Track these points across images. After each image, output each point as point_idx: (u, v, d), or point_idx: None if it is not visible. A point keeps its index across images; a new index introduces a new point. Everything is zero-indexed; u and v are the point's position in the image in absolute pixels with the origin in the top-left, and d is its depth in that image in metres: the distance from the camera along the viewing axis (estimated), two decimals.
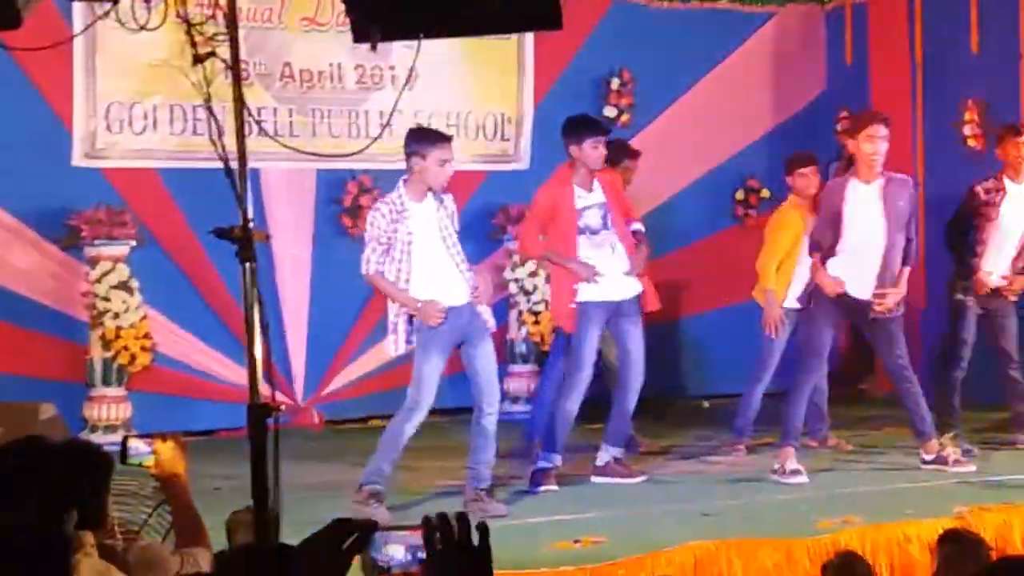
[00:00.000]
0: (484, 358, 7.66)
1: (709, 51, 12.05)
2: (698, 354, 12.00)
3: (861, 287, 8.40)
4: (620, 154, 9.30)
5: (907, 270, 8.49)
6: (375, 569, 2.52)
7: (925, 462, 8.53)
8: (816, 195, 9.11)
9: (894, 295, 8.39)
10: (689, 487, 8.34)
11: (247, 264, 4.01)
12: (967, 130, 11.39)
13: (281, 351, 10.42)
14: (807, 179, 9.26)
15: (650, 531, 6.98)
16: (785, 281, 9.18)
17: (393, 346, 7.78)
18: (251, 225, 4.05)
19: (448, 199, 7.75)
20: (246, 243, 3.99)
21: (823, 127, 12.37)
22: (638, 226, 8.54)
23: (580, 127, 8.37)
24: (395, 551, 2.54)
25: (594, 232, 8.30)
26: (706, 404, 11.63)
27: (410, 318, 7.61)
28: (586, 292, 8.26)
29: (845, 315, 8.70)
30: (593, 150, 8.26)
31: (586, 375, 8.29)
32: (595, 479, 8.40)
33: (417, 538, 2.54)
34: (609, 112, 11.77)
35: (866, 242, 8.39)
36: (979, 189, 9.15)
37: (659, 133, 11.68)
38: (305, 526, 6.07)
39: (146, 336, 10.09)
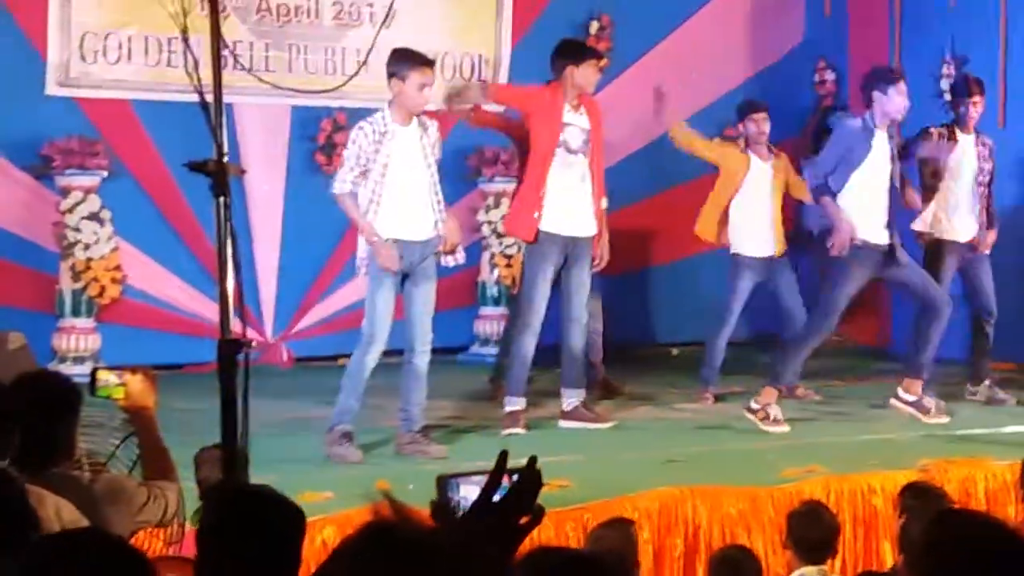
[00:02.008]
0: (422, 296, 7.61)
1: None
2: (670, 301, 12.02)
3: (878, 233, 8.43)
4: None
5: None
6: (446, 510, 2.51)
7: (902, 399, 8.59)
8: (764, 142, 9.30)
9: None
10: (655, 434, 8.37)
11: (221, 198, 3.99)
12: (944, 84, 11.39)
13: (252, 288, 10.38)
14: (758, 125, 9.33)
15: (616, 476, 7.00)
16: (722, 224, 9.24)
17: (359, 265, 7.76)
18: (226, 159, 4.03)
19: (433, 126, 7.71)
20: (220, 177, 3.98)
21: (801, 77, 12.36)
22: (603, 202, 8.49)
23: (582, 48, 8.59)
24: (469, 492, 2.54)
25: (570, 151, 8.25)
26: (675, 352, 11.67)
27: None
28: (545, 220, 8.20)
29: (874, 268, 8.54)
30: (590, 71, 8.32)
31: (537, 313, 8.23)
32: (563, 423, 8.39)
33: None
34: None
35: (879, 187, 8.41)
36: (934, 131, 9.16)
37: (637, 79, 11.63)
38: (273, 463, 6.08)
39: (116, 268, 10.05)
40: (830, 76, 12.49)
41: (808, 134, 12.64)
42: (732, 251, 9.32)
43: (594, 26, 11.80)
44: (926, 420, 8.50)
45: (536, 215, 8.20)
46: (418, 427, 7.62)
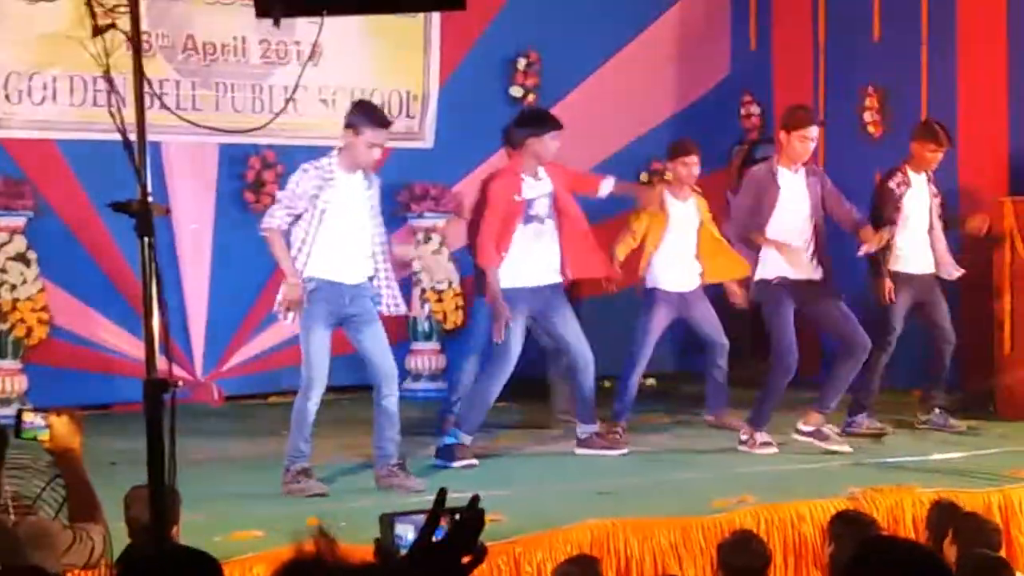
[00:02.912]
0: (371, 340, 7.61)
1: (615, 33, 12.10)
2: (599, 335, 12.02)
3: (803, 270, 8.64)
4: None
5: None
6: (388, 549, 2.52)
7: (801, 432, 8.76)
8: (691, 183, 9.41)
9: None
10: (585, 465, 8.39)
11: (145, 238, 3.98)
12: (867, 116, 11.54)
13: (181, 326, 10.35)
14: (688, 168, 9.42)
15: (547, 509, 7.01)
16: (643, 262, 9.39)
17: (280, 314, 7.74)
18: (150, 199, 4.03)
19: (376, 181, 7.73)
20: (144, 217, 3.97)
21: (727, 111, 12.48)
22: (609, 185, 8.86)
23: (543, 120, 8.57)
24: (406, 531, 2.55)
25: (541, 221, 8.42)
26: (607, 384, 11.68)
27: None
28: (509, 278, 8.33)
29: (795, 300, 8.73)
30: (552, 142, 8.38)
31: (511, 364, 8.35)
32: (579, 451, 8.65)
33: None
34: (515, 92, 11.79)
35: (796, 228, 8.62)
36: (892, 185, 9.30)
37: (564, 114, 11.58)
38: (202, 501, 6.06)
39: (43, 309, 9.99)
40: (755, 110, 12.61)
41: (734, 168, 12.75)
42: (649, 286, 9.39)
43: (521, 62, 11.86)
44: (826, 447, 8.67)
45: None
46: (394, 461, 7.61)
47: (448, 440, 8.34)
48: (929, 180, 9.49)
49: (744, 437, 8.76)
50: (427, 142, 11.42)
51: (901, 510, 7.16)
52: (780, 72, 12.22)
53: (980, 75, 10.80)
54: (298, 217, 7.52)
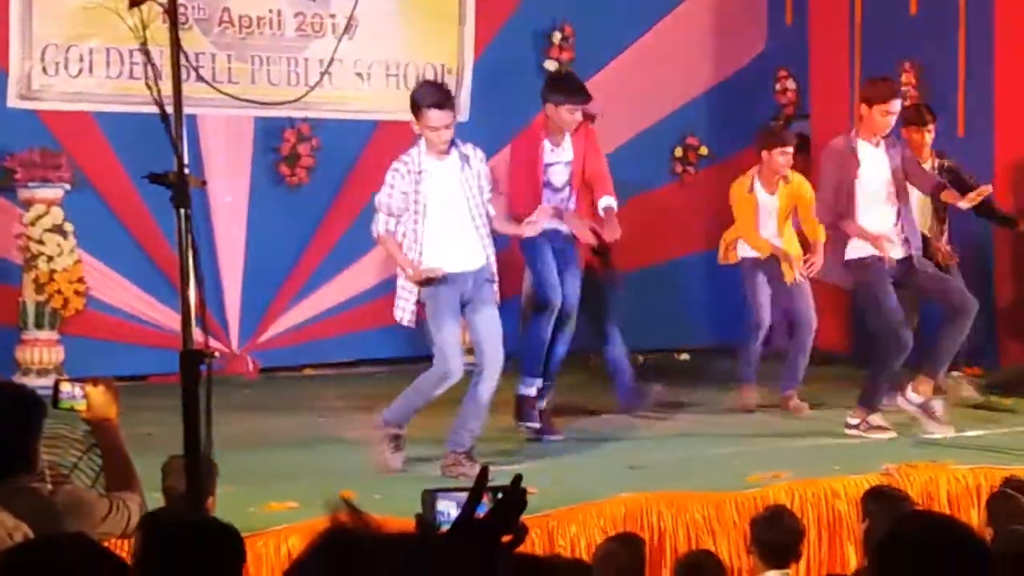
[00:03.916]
0: (484, 322, 7.34)
1: (650, 7, 12.06)
2: (629, 310, 12.03)
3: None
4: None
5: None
6: (428, 524, 2.53)
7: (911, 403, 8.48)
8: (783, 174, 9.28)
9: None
10: (620, 441, 8.39)
11: (181, 210, 4.00)
12: (903, 91, 11.46)
13: (216, 298, 10.39)
14: (788, 159, 9.28)
15: (582, 483, 7.02)
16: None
17: (400, 312, 7.44)
18: (186, 171, 4.04)
19: (476, 157, 7.39)
20: (181, 189, 3.99)
21: (763, 86, 12.42)
22: (609, 201, 8.37)
23: (560, 89, 8.22)
24: (448, 507, 2.56)
25: (556, 190, 8.22)
26: (641, 359, 11.69)
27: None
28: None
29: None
30: (568, 115, 8.11)
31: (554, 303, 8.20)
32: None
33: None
34: (550, 66, 11.77)
35: (879, 200, 8.46)
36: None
37: (599, 88, 11.63)
38: (237, 472, 6.07)
39: (79, 280, 10.04)
40: (791, 85, 12.55)
41: None
42: (740, 255, 9.45)
43: (556, 36, 11.83)
44: (927, 422, 8.44)
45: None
46: (463, 449, 7.34)
47: (518, 390, 8.24)
48: (938, 166, 9.32)
49: (854, 421, 8.42)
50: (462, 116, 11.37)
51: (936, 486, 7.13)
52: (816, 47, 12.15)
53: (1017, 51, 10.72)
54: (399, 217, 7.30)
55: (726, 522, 6.62)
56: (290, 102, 8.35)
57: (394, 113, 11.15)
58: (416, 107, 7.25)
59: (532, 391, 8.25)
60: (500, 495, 2.46)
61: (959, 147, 9.96)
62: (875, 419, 8.44)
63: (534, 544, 6.06)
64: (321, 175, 10.99)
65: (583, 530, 6.28)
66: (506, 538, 2.40)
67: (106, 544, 4.37)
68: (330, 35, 10.73)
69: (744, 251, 9.45)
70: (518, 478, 2.49)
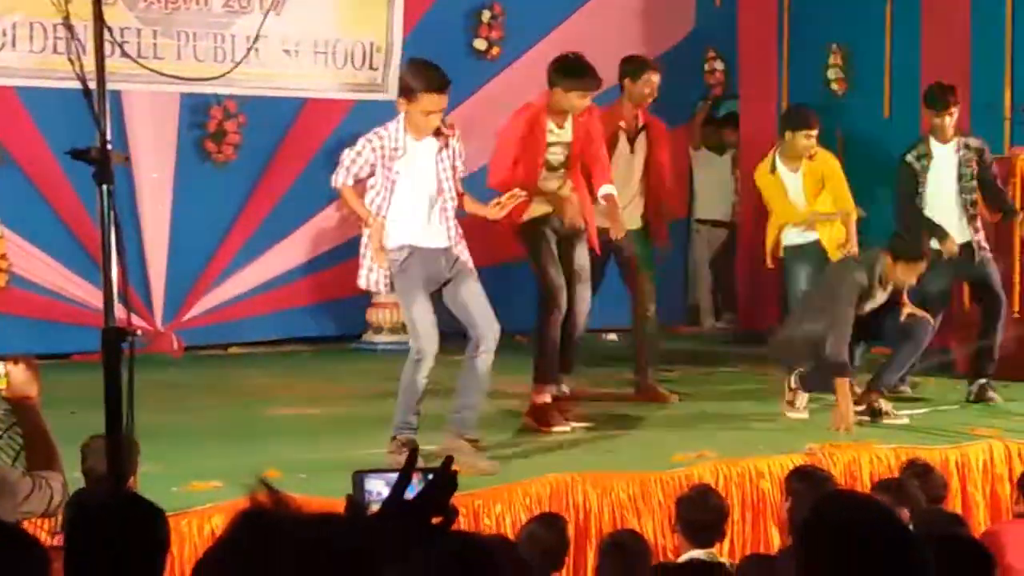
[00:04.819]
0: (471, 296, 7.08)
1: None
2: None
3: None
4: None
5: None
6: (357, 505, 2.52)
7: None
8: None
9: None
10: None
11: (104, 186, 3.96)
12: (831, 73, 11.54)
13: (141, 276, 10.31)
14: (812, 141, 9.18)
15: (507, 463, 7.02)
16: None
17: (364, 280, 7.21)
18: (109, 147, 4.00)
19: (454, 136, 7.13)
20: (103, 165, 3.95)
21: (691, 67, 12.46)
22: (609, 189, 8.29)
23: (563, 73, 8.01)
24: (378, 487, 2.54)
25: (552, 169, 8.11)
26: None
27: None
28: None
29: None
30: (578, 100, 7.98)
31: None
32: None
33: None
34: (479, 45, 11.75)
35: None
36: (910, 159, 9.18)
37: (528, 67, 11.65)
38: (160, 451, 6.02)
39: (2, 257, 9.93)
40: (719, 66, 12.61)
41: (697, 123, 12.75)
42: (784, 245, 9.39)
43: (486, 15, 11.81)
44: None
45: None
46: (471, 435, 7.05)
47: (534, 400, 8.18)
48: (963, 147, 9.22)
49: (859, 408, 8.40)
50: (390, 94, 11.31)
51: (858, 466, 7.20)
52: (745, 28, 12.20)
53: (943, 31, 10.80)
54: (368, 175, 7.07)
55: (651, 501, 6.64)
56: (216, 78, 8.28)
57: (322, 91, 11.13)
58: (410, 89, 6.99)
59: (547, 398, 8.17)
60: (430, 476, 2.45)
61: (884, 128, 10.03)
62: (802, 400, 8.49)
63: (458, 525, 6.04)
64: (248, 152, 10.93)
65: (508, 509, 6.28)
66: (437, 519, 2.39)
67: (27, 523, 4.34)
68: (257, 11, 10.63)
69: (788, 239, 9.36)
70: (449, 459, 2.49)
